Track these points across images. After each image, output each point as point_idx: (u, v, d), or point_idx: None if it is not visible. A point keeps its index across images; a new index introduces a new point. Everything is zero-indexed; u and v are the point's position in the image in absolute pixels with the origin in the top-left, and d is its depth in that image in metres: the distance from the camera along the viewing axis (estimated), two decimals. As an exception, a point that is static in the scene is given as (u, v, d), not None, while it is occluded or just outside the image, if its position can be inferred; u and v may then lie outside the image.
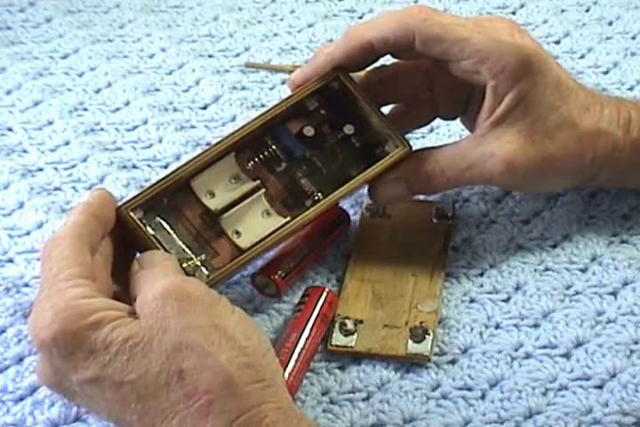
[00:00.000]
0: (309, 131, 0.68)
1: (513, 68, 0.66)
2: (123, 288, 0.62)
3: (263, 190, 0.67)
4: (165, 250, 0.64)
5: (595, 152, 0.68)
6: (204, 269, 0.65)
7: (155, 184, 0.65)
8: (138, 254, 0.64)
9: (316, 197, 0.68)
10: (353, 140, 0.69)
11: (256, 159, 0.68)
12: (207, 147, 0.67)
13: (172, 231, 0.65)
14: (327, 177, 0.69)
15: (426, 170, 0.68)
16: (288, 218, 0.67)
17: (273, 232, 0.66)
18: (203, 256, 0.66)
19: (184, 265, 0.65)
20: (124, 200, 0.64)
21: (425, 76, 0.71)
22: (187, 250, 0.65)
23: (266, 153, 0.68)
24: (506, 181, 0.68)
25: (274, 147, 0.68)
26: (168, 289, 0.57)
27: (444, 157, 0.68)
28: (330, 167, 0.69)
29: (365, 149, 0.69)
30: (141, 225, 0.64)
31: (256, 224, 0.67)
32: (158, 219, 0.65)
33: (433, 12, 0.67)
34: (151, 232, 0.64)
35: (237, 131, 0.66)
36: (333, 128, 0.69)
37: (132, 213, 0.64)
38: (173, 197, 0.66)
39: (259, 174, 0.68)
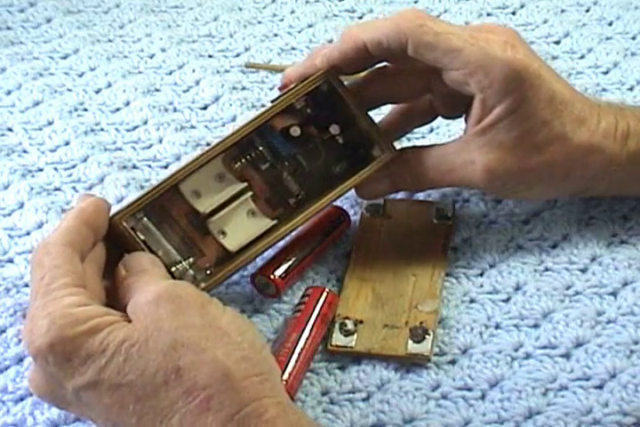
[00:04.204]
0: (296, 131, 0.69)
1: (501, 83, 0.66)
2: (113, 289, 0.62)
3: (250, 193, 0.68)
4: (156, 255, 0.64)
5: (584, 167, 0.69)
6: (191, 271, 0.66)
7: (147, 193, 0.64)
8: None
9: (300, 196, 0.69)
10: (337, 139, 0.70)
11: (243, 159, 0.68)
12: (199, 152, 0.66)
13: (158, 232, 0.65)
14: (311, 176, 0.70)
15: (410, 170, 0.70)
16: (275, 221, 0.68)
17: (261, 236, 0.67)
18: (191, 259, 0.66)
19: (172, 269, 0.65)
20: (117, 209, 0.64)
21: (425, 78, 0.71)
22: (174, 252, 0.65)
23: (253, 154, 0.68)
24: (486, 187, 0.70)
25: (261, 147, 0.68)
26: (160, 292, 0.58)
27: (428, 160, 0.70)
28: (313, 166, 0.70)
29: (349, 148, 0.70)
30: (133, 234, 0.64)
31: (241, 224, 0.67)
32: (145, 220, 0.65)
33: (429, 18, 0.67)
34: (141, 237, 0.64)
35: (228, 138, 0.66)
36: (319, 128, 0.70)
37: (124, 224, 0.64)
38: (160, 197, 0.66)
39: (244, 173, 0.68)
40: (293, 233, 0.71)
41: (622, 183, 0.71)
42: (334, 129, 0.69)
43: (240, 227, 0.67)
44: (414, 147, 0.72)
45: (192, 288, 0.59)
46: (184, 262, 0.66)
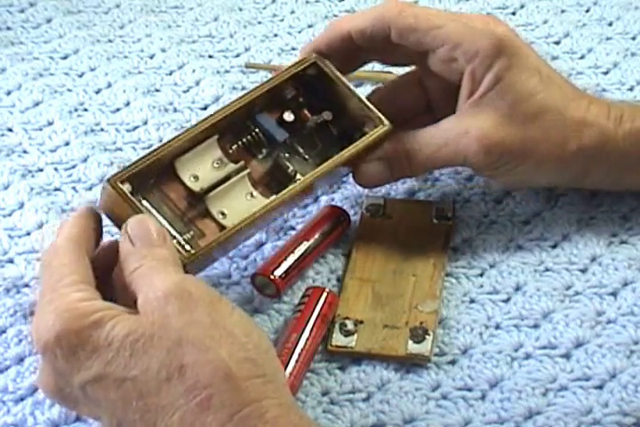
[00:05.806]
0: (289, 116, 0.70)
1: (487, 49, 0.67)
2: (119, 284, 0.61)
3: (248, 170, 0.68)
4: None
5: (580, 140, 0.68)
6: (188, 246, 0.65)
7: (139, 160, 0.65)
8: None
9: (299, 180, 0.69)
10: (331, 125, 0.70)
11: (239, 143, 0.69)
12: (190, 126, 0.67)
13: (157, 214, 0.66)
14: (308, 161, 0.70)
15: (405, 148, 0.70)
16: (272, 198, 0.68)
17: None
18: (189, 235, 0.66)
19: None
20: (109, 175, 0.64)
21: (420, 85, 0.72)
22: (172, 230, 0.65)
23: (249, 137, 0.69)
24: (481, 161, 0.69)
25: (256, 131, 0.69)
26: (170, 288, 0.57)
27: (422, 137, 0.70)
28: (310, 152, 0.70)
29: (344, 134, 0.70)
30: (131, 197, 0.64)
31: (241, 205, 0.67)
32: (145, 202, 0.65)
33: (408, 5, 0.70)
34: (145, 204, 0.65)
35: (218, 111, 0.67)
36: (312, 113, 0.70)
37: (120, 185, 0.64)
38: (158, 179, 0.66)
39: (241, 159, 0.68)
40: (293, 233, 0.71)
41: (621, 168, 0.70)
42: (327, 115, 0.70)
43: (240, 208, 0.67)
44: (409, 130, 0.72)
45: (203, 284, 0.59)
46: (180, 238, 0.65)
